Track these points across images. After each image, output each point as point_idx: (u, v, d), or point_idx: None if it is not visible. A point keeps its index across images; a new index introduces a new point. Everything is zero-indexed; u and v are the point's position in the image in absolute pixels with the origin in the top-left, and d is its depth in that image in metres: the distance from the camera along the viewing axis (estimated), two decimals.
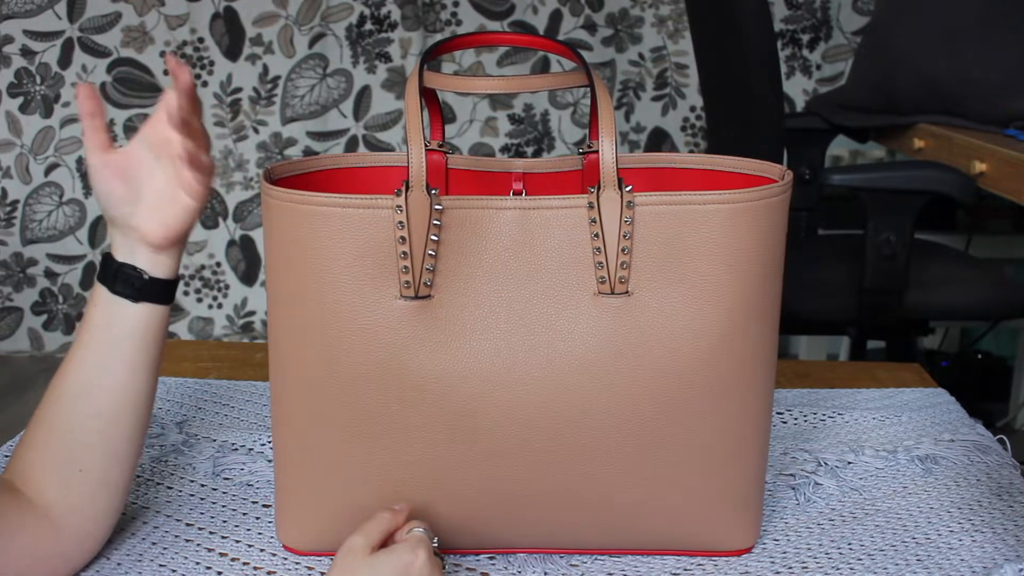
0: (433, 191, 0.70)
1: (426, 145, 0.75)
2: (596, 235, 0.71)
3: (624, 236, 0.71)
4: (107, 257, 0.76)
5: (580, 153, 0.81)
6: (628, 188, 0.71)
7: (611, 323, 0.72)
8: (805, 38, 2.87)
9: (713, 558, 0.79)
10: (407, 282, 0.71)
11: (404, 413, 0.73)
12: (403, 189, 0.70)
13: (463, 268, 0.72)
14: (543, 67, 2.86)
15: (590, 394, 0.72)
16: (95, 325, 0.75)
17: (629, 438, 0.73)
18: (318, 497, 0.77)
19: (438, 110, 0.84)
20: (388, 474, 0.75)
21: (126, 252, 0.75)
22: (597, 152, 0.72)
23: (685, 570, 0.78)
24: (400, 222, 0.70)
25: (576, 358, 0.72)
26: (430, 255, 0.71)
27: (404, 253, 0.70)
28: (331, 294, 0.72)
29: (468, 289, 0.72)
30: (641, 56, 2.90)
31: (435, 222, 0.70)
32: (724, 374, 0.74)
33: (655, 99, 2.92)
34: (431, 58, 0.75)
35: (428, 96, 0.82)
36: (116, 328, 0.75)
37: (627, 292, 0.72)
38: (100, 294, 0.75)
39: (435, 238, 0.71)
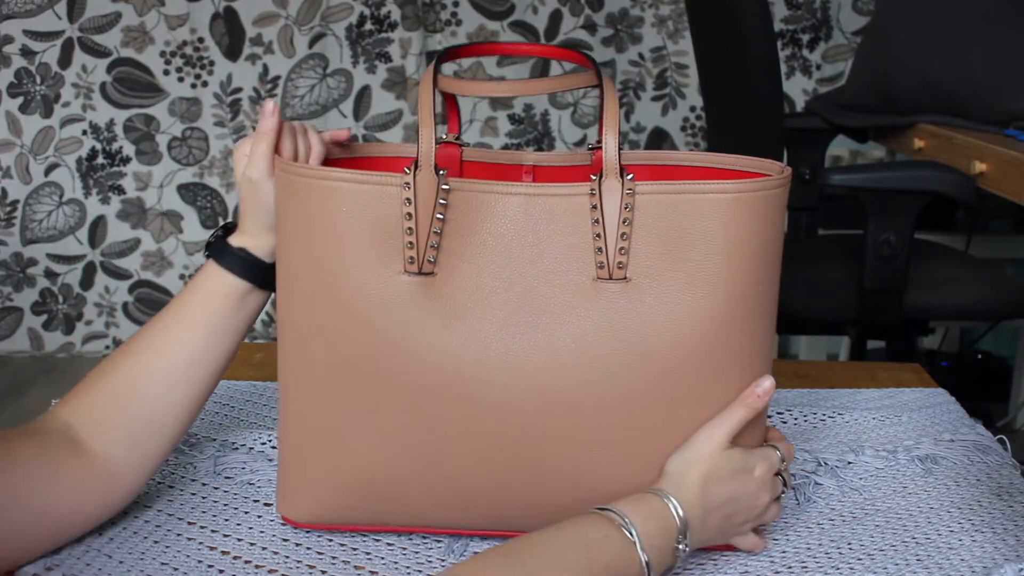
0: (441, 172, 0.73)
1: (443, 138, 0.84)
2: (596, 221, 0.73)
3: (624, 223, 0.72)
4: (223, 241, 0.82)
5: (589, 149, 0.83)
6: (630, 177, 0.72)
7: (609, 308, 0.73)
8: (805, 38, 2.88)
9: (713, 557, 0.79)
10: (411, 258, 0.73)
11: (403, 386, 0.74)
12: (412, 168, 0.72)
13: (467, 248, 0.74)
14: (543, 67, 2.86)
15: (587, 377, 0.73)
16: (213, 304, 0.81)
17: (625, 423, 0.74)
18: (317, 468, 0.78)
19: (455, 106, 0.87)
20: (386, 446, 0.76)
21: (250, 240, 0.82)
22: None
23: (685, 570, 0.78)
24: (407, 199, 0.72)
25: (573, 341, 0.73)
26: (435, 233, 0.73)
27: (409, 229, 0.73)
28: (337, 266, 0.74)
29: (470, 269, 0.74)
30: (641, 56, 2.90)
31: (441, 201, 0.73)
32: (720, 361, 0.74)
33: (655, 99, 2.92)
34: (445, 61, 0.78)
35: (445, 93, 0.84)
36: (230, 304, 0.81)
37: (625, 278, 0.73)
38: (219, 275, 0.81)
39: (440, 217, 0.73)
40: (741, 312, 0.74)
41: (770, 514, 0.78)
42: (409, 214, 0.72)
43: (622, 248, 0.72)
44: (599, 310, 0.73)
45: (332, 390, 0.76)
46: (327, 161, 0.85)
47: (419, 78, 0.76)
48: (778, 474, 0.78)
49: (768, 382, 0.76)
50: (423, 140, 0.73)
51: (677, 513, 0.71)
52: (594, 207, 0.72)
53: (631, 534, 0.68)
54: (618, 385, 0.73)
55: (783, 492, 0.79)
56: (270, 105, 0.80)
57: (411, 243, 0.73)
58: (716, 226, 0.72)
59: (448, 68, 2.88)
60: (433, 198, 0.72)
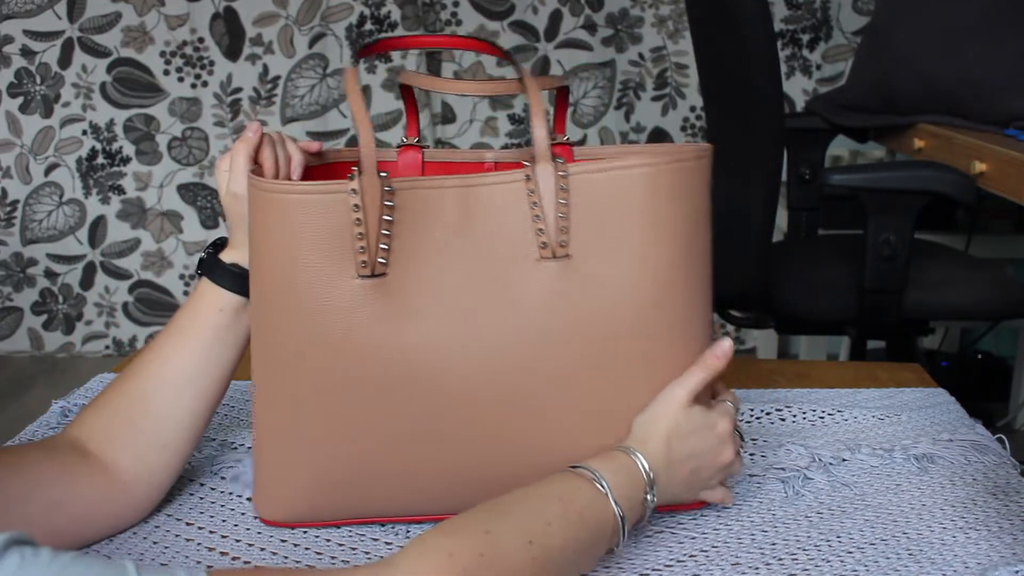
0: (383, 174, 0.74)
1: (404, 141, 0.87)
2: (535, 204, 0.75)
3: (561, 202, 0.75)
4: (214, 258, 0.84)
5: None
6: (560, 160, 0.75)
7: (555, 285, 0.76)
8: (805, 38, 2.88)
9: (704, 549, 0.80)
10: (363, 262, 0.75)
11: (365, 386, 0.76)
12: (356, 174, 0.74)
13: (415, 245, 0.76)
14: (542, 69, 2.86)
15: (541, 353, 0.76)
16: (208, 319, 0.82)
17: (581, 392, 0.77)
18: (289, 469, 0.80)
19: (414, 108, 0.88)
20: (354, 444, 0.78)
21: (240, 255, 0.83)
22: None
23: (678, 561, 0.78)
24: (355, 205, 0.74)
25: (525, 321, 0.76)
26: (384, 235, 0.75)
27: (360, 234, 0.74)
28: (295, 275, 0.75)
29: (420, 265, 0.76)
30: (641, 56, 2.90)
31: (387, 203, 0.74)
32: (659, 326, 0.78)
33: (655, 99, 2.93)
34: (361, 56, 0.80)
35: (406, 94, 0.87)
36: (224, 319, 0.82)
37: (567, 255, 0.76)
38: (212, 291, 0.82)
39: (388, 218, 0.75)
40: (674, 280, 0.77)
41: (735, 467, 0.82)
42: (359, 219, 0.74)
43: (563, 227, 0.75)
44: (546, 288, 0.76)
45: (298, 394, 0.78)
46: (307, 170, 0.86)
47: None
48: (735, 428, 0.82)
49: (727, 343, 0.80)
50: (362, 144, 0.74)
51: (643, 467, 0.75)
52: (531, 192, 0.75)
53: (602, 486, 0.72)
54: (570, 356, 0.77)
55: (742, 445, 0.83)
56: (254, 125, 0.82)
57: (362, 247, 0.74)
58: (643, 198, 0.76)
59: (449, 69, 2.89)
60: (379, 201, 0.74)
